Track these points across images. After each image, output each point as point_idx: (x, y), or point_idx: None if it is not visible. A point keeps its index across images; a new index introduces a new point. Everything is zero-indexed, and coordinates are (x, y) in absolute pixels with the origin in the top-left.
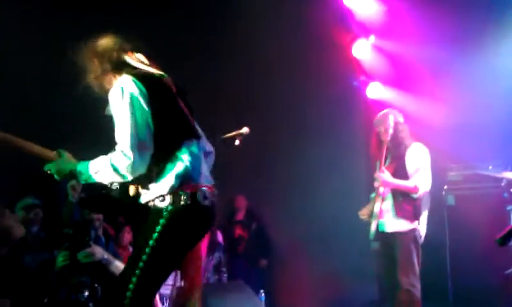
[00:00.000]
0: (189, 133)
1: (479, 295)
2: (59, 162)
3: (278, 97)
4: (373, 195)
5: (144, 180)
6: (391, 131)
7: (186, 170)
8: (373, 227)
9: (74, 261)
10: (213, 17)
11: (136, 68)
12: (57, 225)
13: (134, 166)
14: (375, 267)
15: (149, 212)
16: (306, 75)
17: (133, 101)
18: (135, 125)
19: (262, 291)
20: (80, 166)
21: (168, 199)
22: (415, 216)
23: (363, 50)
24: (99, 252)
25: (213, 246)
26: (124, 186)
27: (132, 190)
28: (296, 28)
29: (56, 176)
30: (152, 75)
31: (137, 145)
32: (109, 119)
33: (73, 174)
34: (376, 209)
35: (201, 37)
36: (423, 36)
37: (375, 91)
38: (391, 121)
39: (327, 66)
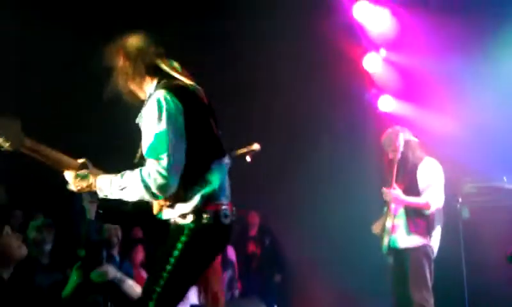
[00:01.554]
0: (218, 152)
1: None
2: (79, 173)
3: (291, 112)
4: (385, 209)
5: (170, 199)
6: (401, 149)
7: (213, 192)
8: (385, 242)
9: (87, 280)
10: (225, 28)
11: (169, 76)
12: (71, 244)
13: (168, 187)
14: (389, 283)
15: (169, 228)
16: (318, 89)
17: (171, 118)
18: (173, 145)
19: (275, 306)
20: (100, 181)
21: (190, 217)
22: (427, 231)
23: (373, 63)
24: (112, 271)
25: (225, 263)
26: (144, 202)
27: (156, 207)
28: (307, 42)
29: (72, 187)
30: (186, 88)
31: (174, 166)
32: (137, 129)
33: (90, 188)
34: (388, 225)
35: (216, 54)
36: (433, 48)
37: (386, 104)
38: (399, 140)
39: (338, 80)
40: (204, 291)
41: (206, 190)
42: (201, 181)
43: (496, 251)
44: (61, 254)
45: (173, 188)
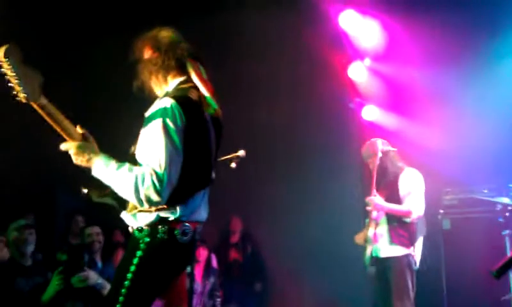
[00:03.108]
0: (204, 182)
1: None
2: (82, 144)
3: (273, 119)
4: (367, 220)
5: (141, 210)
6: (377, 162)
7: (180, 213)
8: (368, 252)
9: (68, 285)
10: (210, 34)
11: (190, 80)
12: (52, 248)
13: (157, 201)
14: (370, 292)
15: (130, 237)
16: (302, 98)
17: (174, 132)
18: (172, 159)
19: None
20: (99, 161)
21: (146, 231)
22: (410, 242)
23: (358, 72)
24: (93, 277)
25: (208, 270)
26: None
27: (130, 207)
28: (291, 50)
29: (74, 159)
30: (196, 104)
31: (169, 183)
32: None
33: (88, 163)
34: (370, 234)
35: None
36: (418, 59)
37: (370, 113)
38: (377, 150)
39: (322, 88)
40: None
41: (175, 212)
42: (177, 205)
43: (477, 261)
44: (43, 256)
45: (160, 203)
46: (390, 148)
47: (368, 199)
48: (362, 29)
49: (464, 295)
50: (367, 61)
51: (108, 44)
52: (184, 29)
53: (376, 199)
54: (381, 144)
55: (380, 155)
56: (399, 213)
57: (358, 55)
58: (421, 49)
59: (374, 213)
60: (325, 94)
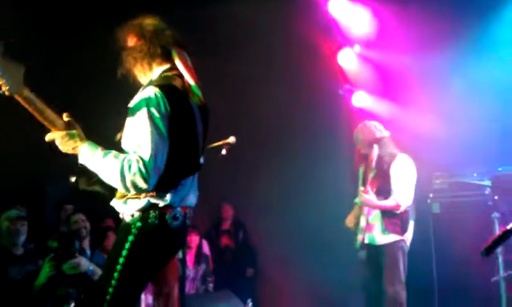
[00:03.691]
0: (192, 168)
1: (465, 302)
2: (67, 133)
3: (263, 106)
4: (356, 200)
5: (131, 196)
6: (370, 149)
7: (170, 199)
8: (359, 238)
9: (59, 272)
10: (198, 21)
11: (175, 68)
12: (43, 238)
13: (144, 187)
14: (360, 276)
15: (121, 223)
16: (291, 84)
17: (158, 119)
18: (157, 146)
19: (249, 300)
20: (85, 149)
21: (137, 216)
22: (403, 229)
23: (348, 58)
24: (84, 263)
25: (200, 257)
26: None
27: (119, 194)
28: (281, 36)
29: (60, 148)
30: (180, 92)
31: (156, 168)
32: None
33: (75, 151)
34: (363, 224)
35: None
36: (408, 45)
37: (360, 99)
38: (371, 135)
39: (312, 75)
40: (156, 292)
41: (164, 198)
42: (165, 190)
43: (466, 245)
44: (34, 244)
45: (147, 190)
46: (383, 131)
47: (360, 193)
48: (352, 15)
49: (454, 278)
50: (357, 48)
51: (96, 32)
52: (173, 17)
53: (368, 197)
54: (374, 129)
55: (373, 140)
56: (388, 208)
57: (348, 41)
58: (411, 35)
59: (365, 209)
60: (315, 80)
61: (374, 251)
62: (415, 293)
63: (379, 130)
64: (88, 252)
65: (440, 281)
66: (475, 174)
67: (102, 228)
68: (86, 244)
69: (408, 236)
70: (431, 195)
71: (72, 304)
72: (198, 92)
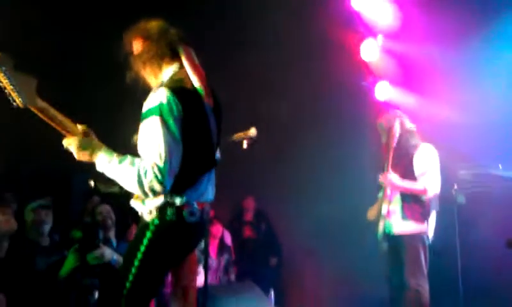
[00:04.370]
0: (208, 165)
1: (490, 295)
2: (83, 140)
3: (287, 99)
4: (380, 194)
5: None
6: (397, 135)
7: (187, 196)
8: (380, 228)
9: (84, 263)
10: (226, 17)
11: (182, 67)
12: (68, 228)
13: (160, 191)
14: (383, 267)
15: (140, 220)
16: (315, 76)
17: (171, 122)
18: (171, 150)
19: (271, 290)
20: (101, 156)
21: (154, 213)
22: (423, 217)
23: (371, 50)
24: (108, 253)
25: (222, 248)
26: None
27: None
28: (304, 29)
29: (75, 155)
30: (192, 91)
31: (171, 172)
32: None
33: (90, 158)
34: (384, 210)
35: (214, 34)
36: (431, 36)
37: (383, 91)
38: (396, 125)
39: (335, 67)
40: (174, 284)
41: (182, 198)
42: (182, 192)
43: (491, 237)
44: (59, 234)
45: (165, 191)
46: (407, 122)
47: (383, 176)
48: (374, 7)
49: (479, 270)
50: (380, 39)
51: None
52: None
53: (392, 177)
54: (398, 120)
55: (398, 130)
56: (414, 191)
57: (371, 33)
58: (433, 25)
59: (388, 191)
60: (338, 73)
61: (394, 243)
62: (439, 285)
63: (403, 119)
64: (114, 241)
65: (464, 272)
66: (500, 166)
67: (127, 221)
68: (112, 234)
69: (430, 228)
70: (455, 186)
71: (96, 294)
72: (201, 91)
